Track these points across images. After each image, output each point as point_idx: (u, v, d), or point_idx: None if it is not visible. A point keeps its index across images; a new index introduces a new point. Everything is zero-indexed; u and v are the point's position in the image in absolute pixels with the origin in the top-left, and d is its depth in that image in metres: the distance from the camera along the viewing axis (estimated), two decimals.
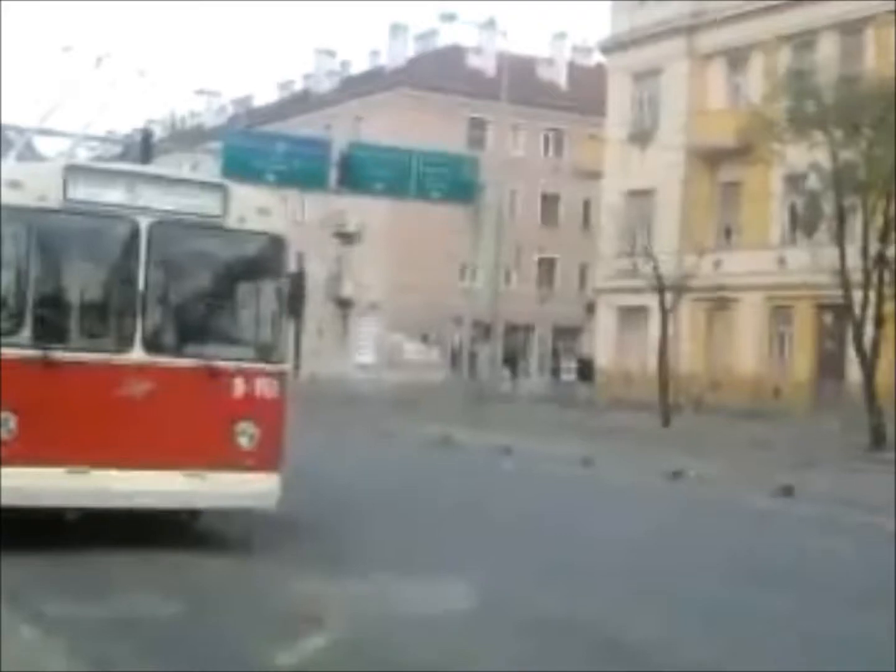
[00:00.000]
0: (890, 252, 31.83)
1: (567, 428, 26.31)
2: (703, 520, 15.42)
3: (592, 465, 21.03)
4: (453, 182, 41.03)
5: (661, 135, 45.48)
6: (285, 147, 38.87)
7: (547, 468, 20.90)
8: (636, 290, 40.42)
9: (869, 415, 28.34)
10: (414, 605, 8.73)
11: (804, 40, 40.61)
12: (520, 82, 52.93)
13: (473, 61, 64.19)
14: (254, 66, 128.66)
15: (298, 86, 75.53)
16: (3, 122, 28.51)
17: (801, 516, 16.17)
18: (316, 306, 48.72)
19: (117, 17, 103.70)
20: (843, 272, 31.66)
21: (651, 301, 38.52)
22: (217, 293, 10.83)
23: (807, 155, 31.63)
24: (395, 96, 61.73)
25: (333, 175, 39.40)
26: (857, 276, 31.57)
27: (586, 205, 62.41)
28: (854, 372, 33.62)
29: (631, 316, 46.11)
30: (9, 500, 9.24)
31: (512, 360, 61.16)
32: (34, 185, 9.77)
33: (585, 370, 49.84)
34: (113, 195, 9.94)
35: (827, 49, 37.86)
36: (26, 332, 9.72)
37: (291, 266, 10.82)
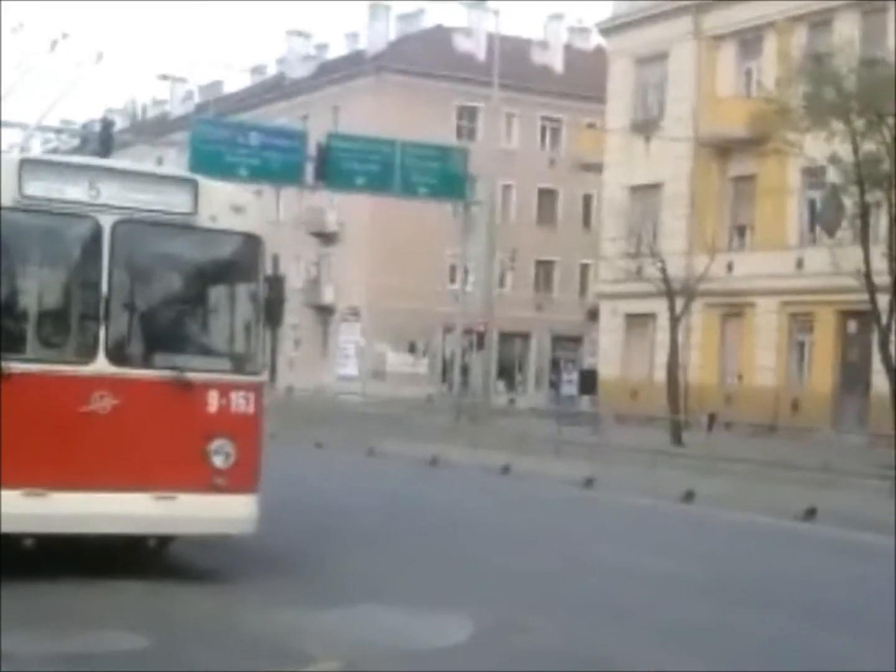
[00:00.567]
0: None
1: (568, 446, 26.30)
2: (718, 546, 15.44)
3: (596, 487, 21.05)
4: (441, 176, 41.05)
5: (667, 124, 45.55)
6: (258, 138, 38.84)
7: (546, 490, 20.91)
8: (642, 295, 40.49)
9: None
10: (403, 638, 8.74)
11: (821, 20, 40.69)
12: (512, 67, 53.04)
13: (462, 44, 64.26)
14: (223, 50, 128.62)
15: (271, 71, 75.56)
16: None
17: (826, 541, 16.22)
18: (293, 313, 48.68)
19: None
20: (867, 275, 31.74)
21: (658, 306, 38.59)
22: (188, 298, 10.82)
23: (826, 146, 31.73)
24: (377, 83, 61.78)
25: (310, 169, 39.40)
26: (882, 279, 31.66)
27: (586, 201, 62.52)
28: (880, 383, 33.69)
29: (637, 323, 46.15)
30: None
31: (507, 372, 61.27)
32: None
33: (587, 382, 49.82)
34: (73, 191, 9.92)
35: (846, 30, 37.91)
36: None
37: (268, 268, 10.79)
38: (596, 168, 49.97)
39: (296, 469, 19.17)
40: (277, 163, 38.48)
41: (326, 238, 63.72)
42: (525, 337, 63.55)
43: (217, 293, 10.96)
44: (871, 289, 31.90)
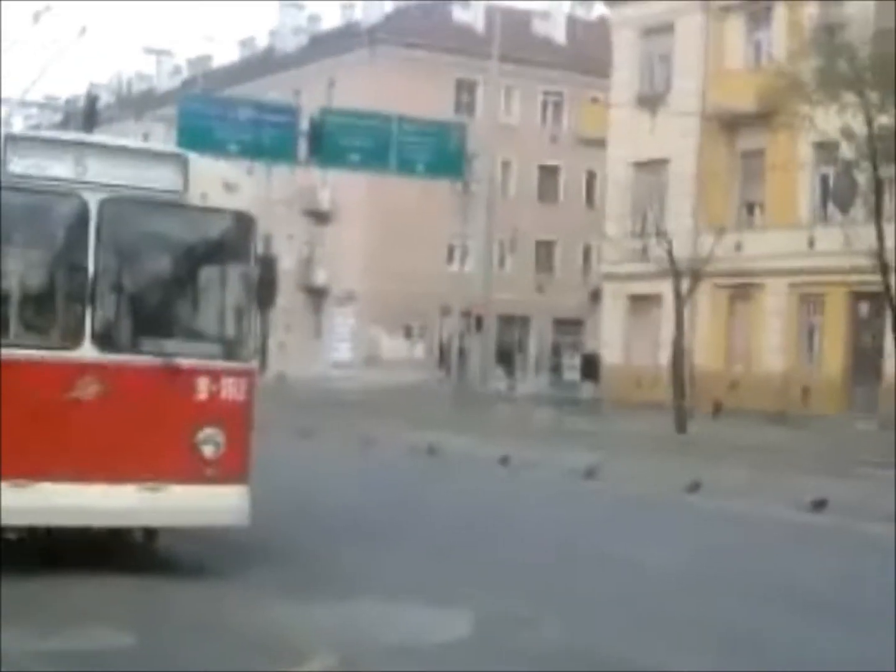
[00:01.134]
0: None
1: (570, 434, 26.35)
2: (725, 538, 15.43)
3: (598, 477, 21.05)
4: (439, 153, 41.04)
5: (674, 98, 45.48)
6: (248, 114, 38.86)
7: (547, 480, 20.91)
8: (647, 276, 40.50)
9: None
10: (402, 633, 8.75)
11: None
12: (512, 39, 52.95)
13: (460, 15, 64.18)
14: (210, 22, 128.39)
15: (262, 44, 75.40)
16: None
17: (837, 532, 16.21)
18: (284, 296, 48.57)
19: None
20: (880, 254, 31.75)
21: (664, 288, 38.58)
22: (177, 280, 10.78)
23: (838, 120, 31.69)
24: (372, 56, 61.68)
25: (303, 146, 39.41)
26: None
27: (589, 178, 62.48)
28: (893, 369, 33.73)
29: (641, 305, 46.14)
30: None
31: (507, 357, 61.23)
32: None
33: (590, 368, 49.83)
34: (58, 168, 9.88)
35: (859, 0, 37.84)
36: None
37: (260, 249, 10.77)
38: (599, 144, 49.89)
39: (288, 459, 19.15)
40: (269, 139, 38.50)
41: (320, 217, 63.66)
42: (525, 320, 63.54)
43: (207, 275, 10.93)
44: (884, 269, 31.91)
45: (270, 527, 11.43)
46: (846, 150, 34.32)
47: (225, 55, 77.19)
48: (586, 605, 10.31)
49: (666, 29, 46.68)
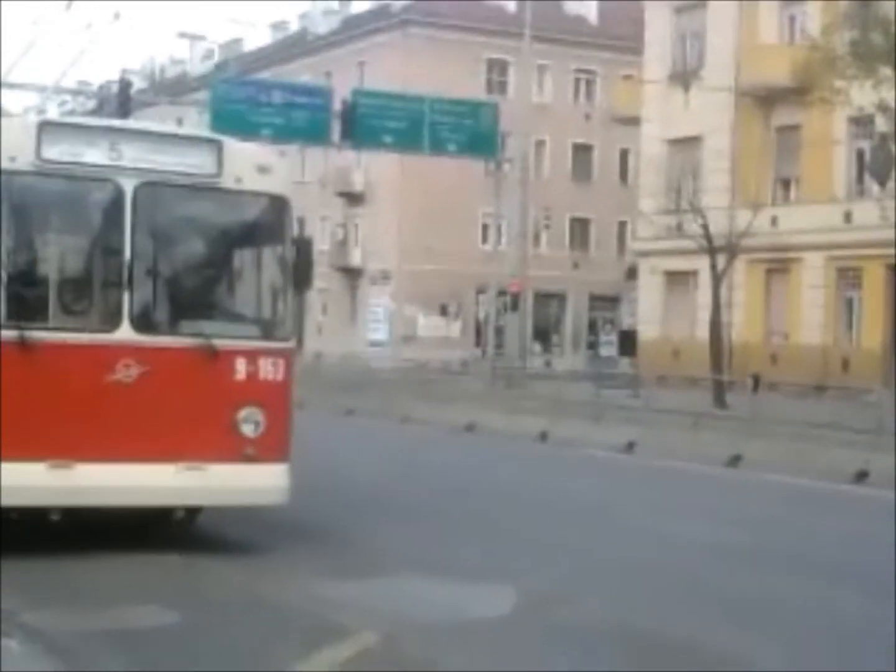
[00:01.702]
0: None
1: (608, 410, 26.27)
2: (766, 511, 15.39)
3: (637, 452, 21.05)
4: (471, 133, 40.93)
5: (707, 74, 45.22)
6: (281, 97, 38.81)
7: (586, 456, 20.91)
8: (682, 252, 40.32)
9: None
10: (442, 609, 8.77)
11: None
12: (544, 17, 52.65)
13: None
14: (242, 6, 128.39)
15: (293, 27, 75.39)
16: None
17: (879, 503, 16.16)
18: (320, 277, 48.72)
19: None
20: None
21: (700, 264, 38.42)
22: (213, 262, 10.84)
23: (873, 94, 31.45)
24: (403, 37, 61.56)
25: (336, 127, 39.35)
26: None
27: (623, 156, 62.23)
28: None
29: (677, 281, 45.99)
30: None
31: (543, 334, 61.18)
32: (3, 145, 9.74)
33: (627, 344, 49.69)
34: (93, 154, 9.93)
35: None
36: (1, 310, 9.72)
37: (295, 230, 10.79)
38: (633, 121, 49.69)
39: (327, 438, 19.24)
40: (302, 121, 38.45)
41: (354, 198, 63.67)
42: (561, 297, 63.42)
43: (243, 257, 10.99)
44: None
45: (311, 505, 11.49)
46: (881, 124, 34.09)
47: (257, 39, 77.39)
48: (627, 579, 10.31)
49: (699, 4, 46.40)
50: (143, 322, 9.98)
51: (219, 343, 10.09)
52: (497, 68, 62.14)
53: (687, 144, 46.01)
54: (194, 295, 10.69)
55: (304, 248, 10.74)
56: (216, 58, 76.75)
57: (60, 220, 10.45)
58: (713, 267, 35.23)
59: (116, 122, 12.12)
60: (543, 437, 23.04)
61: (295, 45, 70.35)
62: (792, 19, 43.47)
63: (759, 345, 42.33)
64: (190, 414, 9.96)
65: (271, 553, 10.41)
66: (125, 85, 38.78)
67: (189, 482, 9.93)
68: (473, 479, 16.93)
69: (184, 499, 10.21)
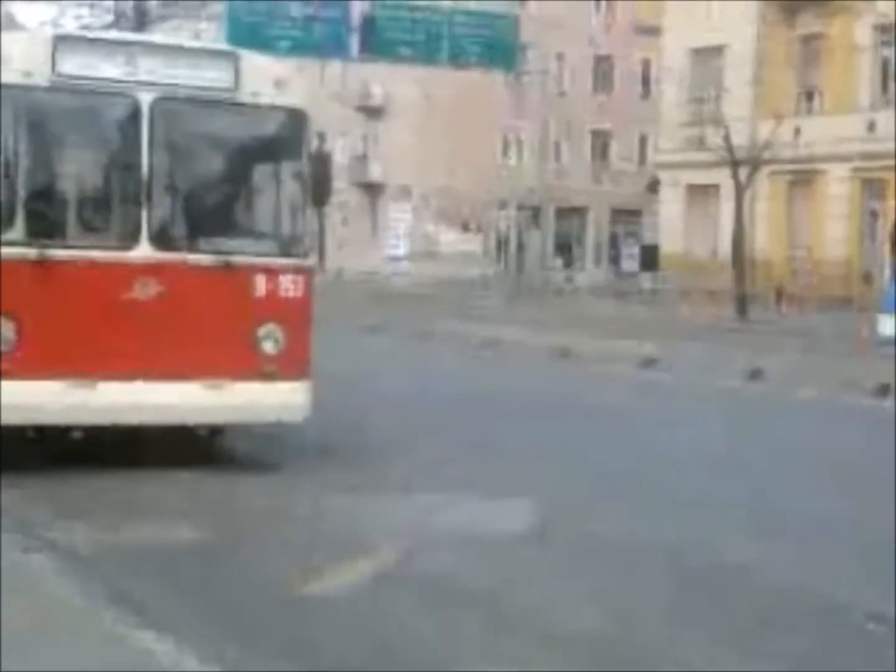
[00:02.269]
0: None
1: (630, 324, 26.28)
2: (789, 426, 15.38)
3: (659, 367, 21.01)
4: (491, 44, 40.62)
5: None
6: (299, 9, 38.51)
7: (607, 371, 20.90)
8: (705, 165, 40.10)
9: None
10: (464, 525, 8.79)
11: None
12: None
13: None
14: None
15: None
16: None
17: None
18: (340, 192, 48.58)
19: None
20: None
21: (722, 177, 38.21)
22: (231, 178, 10.78)
23: None
24: None
25: (355, 41, 39.08)
26: None
27: (645, 67, 61.67)
28: None
29: (699, 194, 45.74)
30: (8, 418, 9.31)
31: (565, 249, 61.01)
32: (18, 60, 9.68)
33: (649, 258, 49.62)
34: (109, 69, 9.84)
35: None
36: (19, 228, 9.72)
37: (313, 145, 10.71)
38: (655, 31, 49.28)
39: (347, 354, 19.25)
40: (320, 34, 38.21)
41: (373, 113, 63.34)
42: (582, 211, 63.15)
43: (261, 172, 10.92)
44: None
45: (331, 422, 11.50)
46: None
47: None
48: (649, 494, 10.31)
49: None
50: (162, 239, 9.94)
51: (237, 260, 10.07)
52: None
53: (709, 54, 45.61)
54: (212, 211, 10.61)
55: (322, 162, 10.71)
56: None
57: (77, 136, 10.39)
58: (735, 179, 35.05)
59: (132, 36, 12.02)
60: (564, 352, 23.01)
61: None
62: None
63: (781, 258, 42.19)
64: (209, 332, 9.95)
65: (293, 470, 10.44)
66: None
67: (210, 400, 9.95)
68: (494, 395, 16.92)
69: (205, 416, 10.22)
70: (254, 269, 10.13)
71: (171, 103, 9.99)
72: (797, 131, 41.18)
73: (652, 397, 18.16)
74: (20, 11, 45.05)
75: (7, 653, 5.28)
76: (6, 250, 9.48)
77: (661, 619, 6.73)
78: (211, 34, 47.75)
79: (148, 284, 9.81)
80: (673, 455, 12.40)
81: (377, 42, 38.97)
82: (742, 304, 33.23)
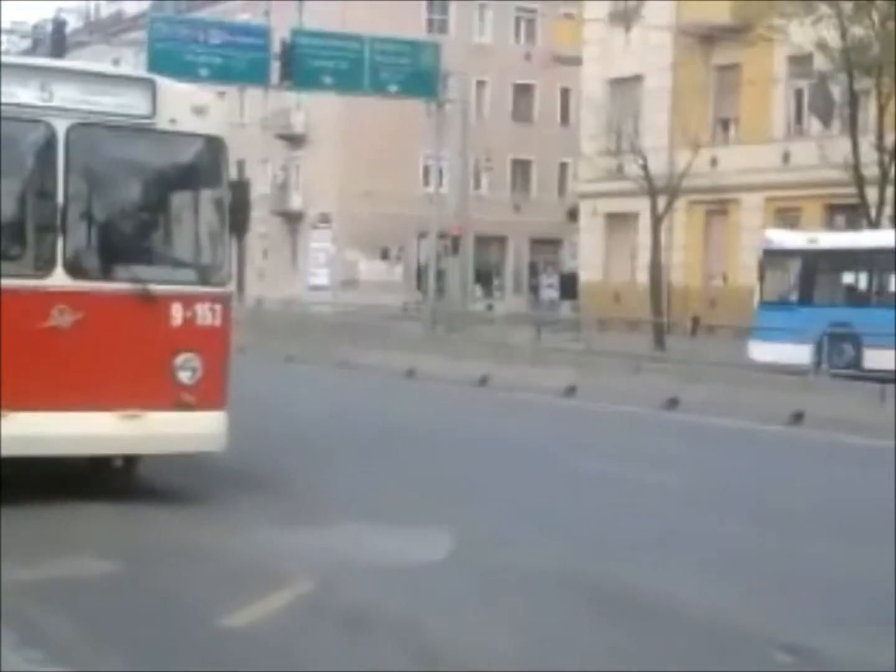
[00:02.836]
0: None
1: (549, 353, 26.34)
2: (703, 453, 15.50)
3: (578, 395, 21.09)
4: (412, 73, 40.75)
5: (648, 13, 45.07)
6: (219, 36, 38.41)
7: (526, 400, 20.95)
8: (623, 194, 40.39)
9: None
10: (381, 555, 8.75)
11: None
12: None
13: None
14: None
15: None
16: None
17: (814, 445, 16.35)
18: (260, 221, 48.40)
19: None
20: (855, 166, 31.72)
21: (641, 206, 38.54)
22: (149, 206, 10.68)
23: (813, 32, 31.53)
24: None
25: (275, 68, 39.04)
26: (871, 171, 31.62)
27: (564, 96, 62.09)
28: None
29: (618, 223, 46.06)
30: None
31: (485, 277, 61.15)
32: None
33: (568, 287, 49.85)
34: (24, 94, 9.72)
35: None
36: None
37: (232, 173, 10.65)
38: (574, 61, 49.57)
39: (267, 384, 19.16)
40: (240, 62, 38.12)
41: (294, 141, 63.19)
42: (502, 240, 63.37)
43: (179, 200, 10.82)
44: (860, 181, 31.92)
45: (250, 452, 11.42)
46: (820, 63, 34.18)
47: None
48: (566, 523, 10.34)
49: None
50: (78, 267, 9.82)
51: (155, 288, 9.95)
52: (437, 8, 61.68)
53: (627, 84, 45.98)
54: (129, 239, 10.49)
55: (240, 190, 10.63)
56: None
57: None
58: (653, 209, 35.34)
59: (49, 62, 11.87)
60: (484, 381, 23.05)
61: None
62: None
63: (698, 287, 42.55)
64: (126, 361, 9.85)
65: (210, 501, 10.35)
66: (60, 24, 38.28)
67: (126, 430, 9.82)
68: (413, 425, 16.90)
69: (121, 447, 10.11)
70: (172, 298, 10.03)
71: (88, 130, 9.88)
72: (714, 161, 41.62)
73: (570, 426, 18.24)
74: None
75: None
76: None
77: (575, 649, 6.72)
78: (131, 61, 47.51)
79: (63, 313, 9.68)
80: (590, 484, 12.44)
81: (298, 70, 38.95)
82: (659, 333, 33.46)
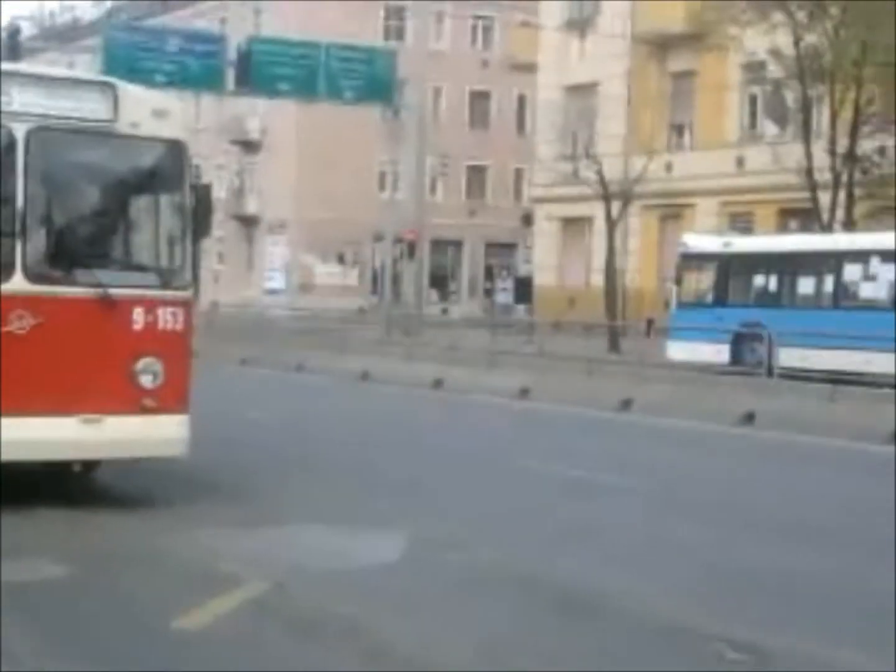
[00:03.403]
0: (860, 148, 32.20)
1: (503, 356, 26.41)
2: (655, 454, 15.60)
3: (531, 398, 21.18)
4: (368, 80, 40.74)
5: (603, 21, 45.39)
6: (175, 43, 38.31)
7: (480, 402, 21.03)
8: (578, 199, 40.57)
9: None
10: (334, 557, 8.81)
11: None
12: None
13: None
14: None
15: None
16: None
17: (765, 445, 16.50)
18: (216, 226, 48.22)
19: None
20: (809, 171, 32.00)
21: (595, 210, 38.71)
22: (109, 210, 10.65)
23: (767, 40, 31.78)
24: None
25: (231, 74, 38.96)
26: (823, 176, 31.89)
27: (520, 103, 62.30)
28: None
29: (573, 228, 46.27)
30: None
31: (440, 282, 61.27)
32: None
33: (523, 291, 50.01)
34: None
35: None
36: None
37: (193, 176, 10.63)
38: (530, 68, 49.76)
39: (223, 388, 19.13)
40: (196, 68, 38.02)
41: (249, 146, 63.12)
42: (458, 245, 63.51)
43: (140, 204, 10.81)
44: (813, 186, 32.20)
45: (206, 457, 11.40)
46: (774, 70, 34.46)
47: None
48: (518, 524, 10.38)
49: None
50: (37, 272, 9.79)
51: (115, 293, 9.94)
52: (394, 14, 61.77)
53: (583, 91, 46.17)
54: (90, 243, 10.47)
55: (202, 194, 10.61)
56: (108, 3, 75.40)
57: None
58: (608, 213, 35.50)
59: (8, 66, 11.84)
60: (438, 384, 23.13)
61: None
62: None
63: (652, 290, 42.72)
64: (86, 365, 9.83)
65: (167, 506, 10.32)
66: (14, 31, 38.08)
67: (86, 435, 9.80)
68: (366, 429, 16.94)
69: (81, 452, 10.08)
70: (132, 302, 10.01)
71: (48, 134, 9.87)
72: (668, 166, 41.87)
73: (523, 428, 18.31)
74: None
75: None
76: None
77: (528, 649, 6.77)
78: (86, 67, 47.26)
79: (23, 317, 9.66)
80: (542, 485, 12.49)
81: (253, 77, 38.89)
82: (614, 336, 33.61)
